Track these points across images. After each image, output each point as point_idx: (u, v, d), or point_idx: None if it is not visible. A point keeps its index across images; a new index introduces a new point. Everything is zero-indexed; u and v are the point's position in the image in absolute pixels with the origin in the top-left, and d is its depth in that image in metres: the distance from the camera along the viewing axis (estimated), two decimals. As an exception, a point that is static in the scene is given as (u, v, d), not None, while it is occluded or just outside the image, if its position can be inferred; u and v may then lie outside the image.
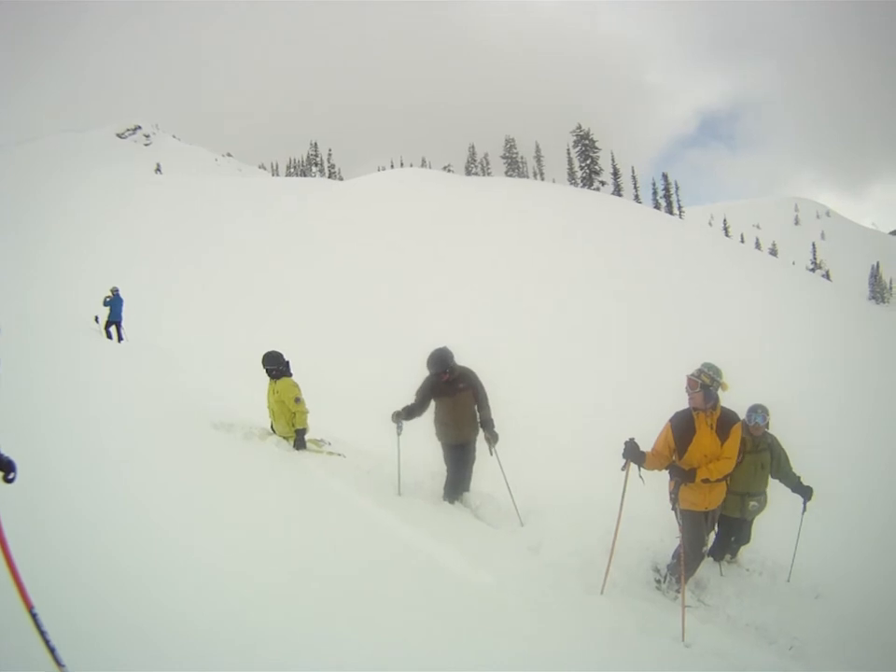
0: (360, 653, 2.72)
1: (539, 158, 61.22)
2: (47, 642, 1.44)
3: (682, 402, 4.36)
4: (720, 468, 4.20)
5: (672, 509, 4.38)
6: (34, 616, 1.41)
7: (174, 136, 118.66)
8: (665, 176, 56.32)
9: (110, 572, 2.58)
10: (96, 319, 14.43)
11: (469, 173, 58.67)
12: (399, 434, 5.57)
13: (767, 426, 5.01)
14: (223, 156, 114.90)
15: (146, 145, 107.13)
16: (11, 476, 1.09)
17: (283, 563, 3.38)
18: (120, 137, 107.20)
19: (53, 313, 14.46)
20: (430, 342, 5.88)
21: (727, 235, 63.44)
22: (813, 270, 73.63)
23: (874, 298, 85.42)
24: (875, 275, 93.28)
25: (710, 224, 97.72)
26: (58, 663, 1.45)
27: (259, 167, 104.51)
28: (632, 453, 4.28)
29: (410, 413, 5.53)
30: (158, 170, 59.06)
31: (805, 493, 4.99)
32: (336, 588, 3.29)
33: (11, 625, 1.84)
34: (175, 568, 2.89)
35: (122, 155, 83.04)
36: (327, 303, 20.12)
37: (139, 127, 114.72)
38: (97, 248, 26.03)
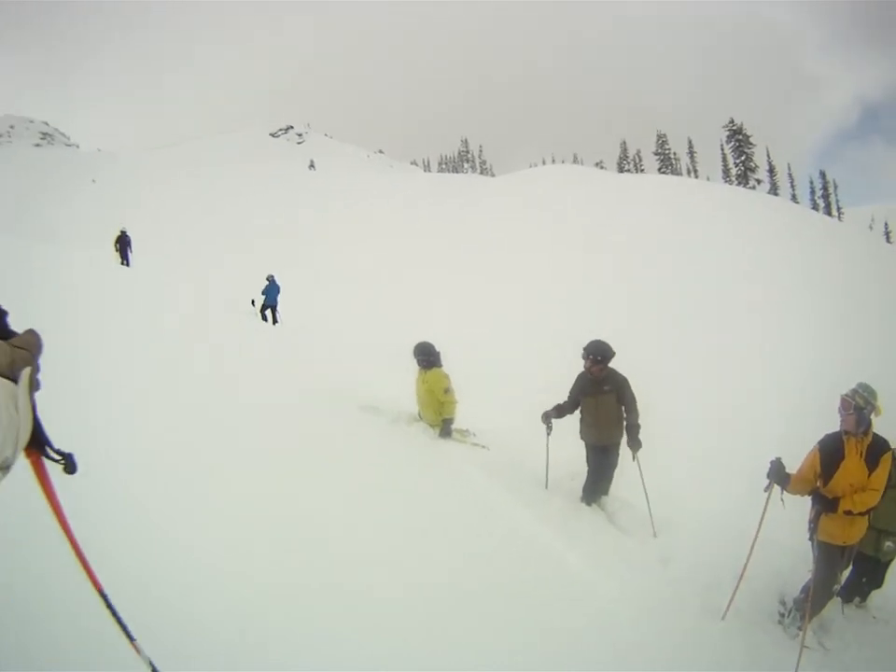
0: (481, 644, 2.92)
1: (692, 154, 58.73)
2: (118, 619, 1.56)
3: (831, 426, 4.18)
4: (864, 499, 3.98)
5: (809, 539, 4.26)
6: (104, 597, 1.54)
7: (325, 135, 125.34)
8: (822, 174, 51.86)
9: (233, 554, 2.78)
10: (252, 303, 15.94)
11: (621, 170, 57.12)
12: (548, 434, 5.71)
13: None
14: (375, 153, 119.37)
15: (298, 143, 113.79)
16: (71, 469, 1.17)
17: (408, 552, 3.61)
18: (273, 136, 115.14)
19: (218, 298, 16.02)
20: (571, 334, 5.92)
21: (888, 241, 56.60)
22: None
23: None
24: None
25: (871, 227, 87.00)
26: (130, 637, 1.59)
27: (411, 163, 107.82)
28: (777, 474, 4.18)
29: (560, 411, 5.68)
30: (312, 166, 62.91)
31: None
32: (470, 581, 3.51)
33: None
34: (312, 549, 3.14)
35: (276, 152, 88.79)
36: (497, 299, 20.51)
37: (291, 127, 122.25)
38: (259, 240, 28.45)
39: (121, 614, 1.49)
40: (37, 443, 1.04)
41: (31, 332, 1.03)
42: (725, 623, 4.16)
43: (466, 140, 76.08)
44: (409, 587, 3.16)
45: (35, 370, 0.98)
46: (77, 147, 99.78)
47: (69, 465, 1.15)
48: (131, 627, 1.54)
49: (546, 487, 5.74)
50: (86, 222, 31.23)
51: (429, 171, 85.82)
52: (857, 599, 4.86)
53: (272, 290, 15.90)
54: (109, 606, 1.46)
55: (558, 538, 4.68)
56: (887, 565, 4.77)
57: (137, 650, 1.52)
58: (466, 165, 73.72)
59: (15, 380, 0.92)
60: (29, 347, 0.99)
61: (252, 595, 2.57)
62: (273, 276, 16.16)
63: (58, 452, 1.13)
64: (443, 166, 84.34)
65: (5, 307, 1.06)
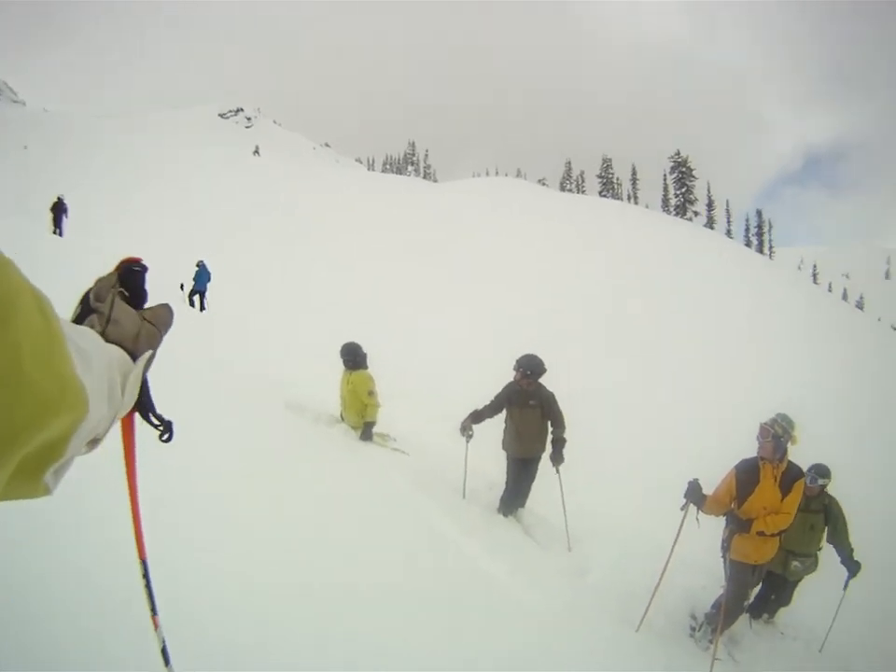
0: (397, 651, 2.79)
1: (634, 181, 60.04)
2: (150, 590, 1.51)
3: (750, 450, 4.31)
4: (777, 522, 4.13)
5: (722, 556, 4.38)
6: (143, 562, 1.48)
7: (274, 122, 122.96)
8: (759, 213, 54.55)
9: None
10: (181, 287, 15.25)
11: (563, 188, 58.29)
12: (467, 442, 5.67)
13: (824, 487, 4.88)
14: (321, 145, 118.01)
15: (247, 127, 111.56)
16: (167, 437, 1.14)
17: (336, 552, 3.44)
18: (222, 117, 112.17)
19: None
20: (509, 351, 5.94)
21: (815, 282, 60.55)
22: (898, 328, 68.87)
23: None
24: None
25: (800, 268, 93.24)
26: (153, 611, 1.53)
27: (356, 160, 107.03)
28: (693, 494, 4.28)
29: (478, 417, 5.62)
30: (256, 152, 61.44)
31: (853, 568, 4.82)
32: (389, 585, 3.36)
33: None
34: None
35: (224, 135, 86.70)
36: (416, 299, 20.38)
37: (241, 109, 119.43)
38: (190, 222, 27.36)
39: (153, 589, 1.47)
40: (140, 406, 0.98)
41: (165, 307, 0.95)
42: (640, 634, 4.23)
43: (413, 143, 76.37)
44: (331, 588, 3.01)
45: (155, 354, 0.90)
46: (24, 104, 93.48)
47: (168, 432, 1.14)
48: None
49: (464, 497, 5.71)
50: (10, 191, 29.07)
51: (373, 169, 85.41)
52: (765, 616, 5.09)
53: (202, 276, 15.28)
54: (146, 575, 1.45)
55: (480, 546, 4.64)
56: (795, 584, 5.01)
57: (156, 624, 1.48)
58: (410, 168, 73.94)
59: (135, 357, 0.83)
60: (158, 324, 0.91)
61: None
62: (203, 262, 15.53)
63: (159, 418, 1.09)
64: (388, 166, 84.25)
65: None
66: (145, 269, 1.01)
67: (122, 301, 0.88)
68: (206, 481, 3.42)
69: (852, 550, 4.84)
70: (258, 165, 43.95)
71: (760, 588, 4.87)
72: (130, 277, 0.95)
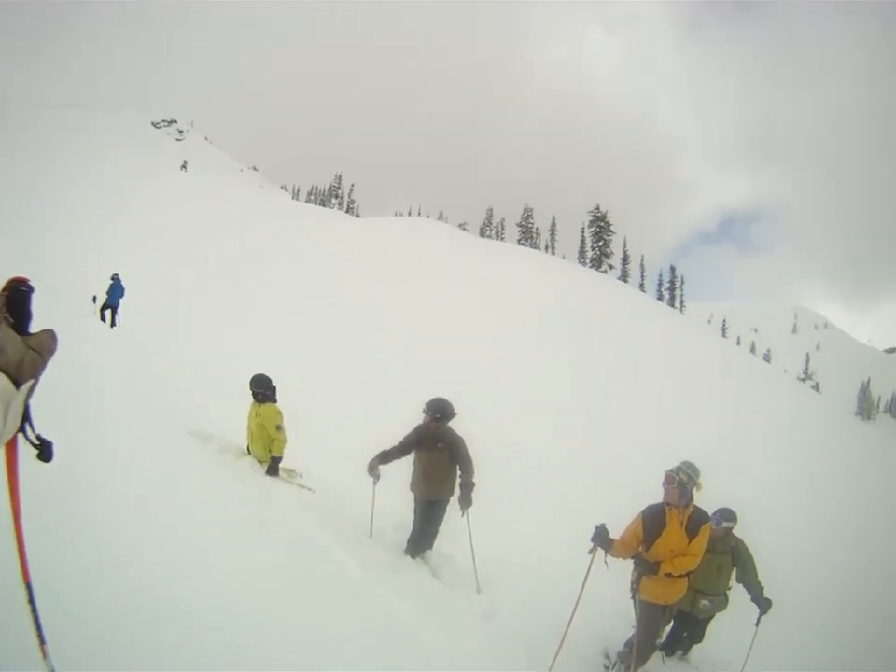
0: None
1: (553, 231, 61.63)
2: (36, 617, 1.43)
3: (657, 496, 4.38)
4: (684, 564, 4.20)
5: (632, 598, 4.42)
6: (28, 587, 1.40)
7: (206, 138, 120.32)
8: (672, 269, 57.46)
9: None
10: (94, 299, 14.48)
11: (483, 234, 59.20)
12: (375, 483, 5.60)
13: (730, 530, 5.01)
14: (249, 168, 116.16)
15: (178, 139, 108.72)
16: (46, 456, 1.14)
17: (242, 595, 3.28)
18: (155, 126, 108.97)
19: (56, 286, 14.39)
20: (416, 390, 5.91)
21: (724, 335, 64.32)
22: (804, 380, 74.37)
23: (860, 413, 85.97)
24: (865, 391, 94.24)
25: (710, 322, 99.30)
26: (41, 640, 1.45)
27: (282, 187, 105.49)
28: (601, 538, 4.32)
29: (385, 457, 5.57)
30: (184, 167, 59.65)
31: (763, 605, 4.93)
32: (298, 624, 3.25)
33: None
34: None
35: (154, 144, 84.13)
36: (323, 335, 20.08)
37: (175, 120, 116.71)
38: (109, 232, 26.13)
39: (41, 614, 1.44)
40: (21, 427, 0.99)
41: (48, 333, 0.99)
42: (552, 675, 4.14)
43: (340, 176, 76.63)
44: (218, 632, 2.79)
45: (37, 382, 0.93)
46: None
47: (45, 452, 1.17)
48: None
49: (370, 536, 5.63)
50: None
51: (298, 199, 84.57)
52: (679, 652, 5.17)
53: (115, 290, 14.62)
54: (31, 600, 1.40)
55: (383, 585, 4.52)
56: (706, 621, 5.11)
57: (44, 654, 1.46)
58: (334, 201, 73.96)
59: (18, 384, 0.88)
60: (42, 351, 0.94)
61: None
62: (118, 276, 14.85)
63: (38, 437, 1.12)
64: (312, 196, 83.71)
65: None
66: (31, 290, 1.06)
67: (8, 327, 0.92)
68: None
69: (762, 588, 4.96)
70: (182, 181, 42.88)
71: (672, 626, 4.95)
72: (17, 298, 1.01)
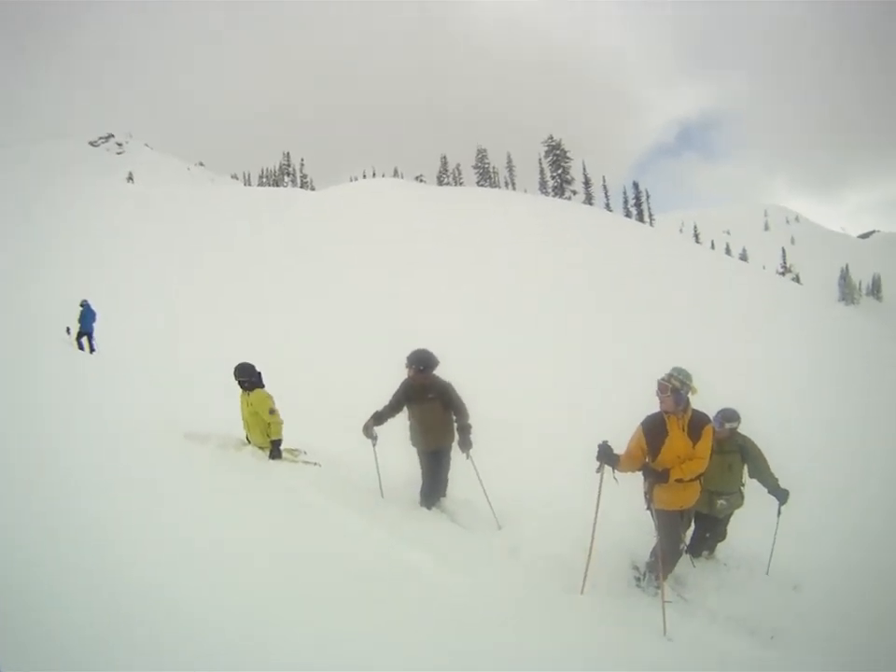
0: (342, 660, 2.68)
1: (510, 168, 61.11)
2: None
3: (655, 406, 4.40)
4: (692, 468, 4.25)
5: (647, 508, 4.44)
6: None
7: (146, 145, 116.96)
8: (636, 185, 57.39)
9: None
10: (67, 331, 14.30)
11: (441, 183, 58.19)
12: (374, 445, 5.62)
13: (734, 430, 5.09)
14: (196, 165, 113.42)
15: (118, 153, 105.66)
16: None
17: (266, 573, 3.30)
18: (93, 146, 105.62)
19: (21, 325, 14.13)
20: (403, 346, 5.87)
21: (697, 241, 64.43)
22: (783, 273, 75.13)
23: (843, 300, 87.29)
24: (845, 278, 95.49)
25: (681, 230, 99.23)
26: None
27: (232, 177, 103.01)
28: (605, 455, 4.34)
29: (379, 418, 5.58)
30: (130, 179, 58.09)
31: (781, 496, 5.05)
32: (318, 595, 3.25)
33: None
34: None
35: (94, 163, 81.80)
36: (299, 313, 19.98)
37: (112, 135, 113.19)
38: (66, 259, 25.58)
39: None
40: None
41: None
42: (587, 595, 4.25)
43: (287, 154, 74.56)
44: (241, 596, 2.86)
45: None
46: None
47: None
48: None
49: (382, 496, 5.66)
50: None
51: (250, 184, 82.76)
52: (705, 553, 5.23)
53: (87, 317, 14.37)
54: None
55: (396, 539, 4.54)
56: (726, 519, 5.19)
57: None
58: (287, 179, 72.16)
59: None
60: None
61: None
62: (87, 301, 14.60)
63: None
64: (264, 180, 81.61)
65: None
66: None
67: None
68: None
69: (776, 480, 5.06)
70: (130, 193, 41.86)
71: (693, 529, 5.04)
72: None
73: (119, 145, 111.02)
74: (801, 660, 3.62)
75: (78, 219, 31.80)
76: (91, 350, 14.06)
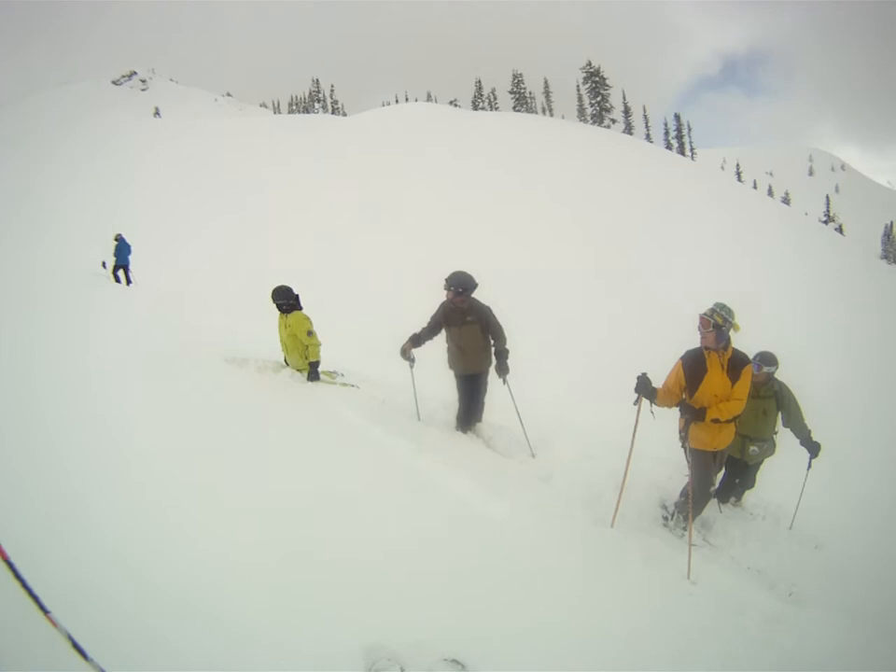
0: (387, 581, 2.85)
1: (547, 94, 58.71)
2: (28, 590, 1.41)
3: (693, 342, 4.30)
4: (730, 408, 4.16)
5: (682, 447, 4.40)
6: (11, 566, 1.38)
7: (171, 80, 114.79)
8: (677, 117, 55.34)
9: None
10: (103, 265, 14.61)
11: (475, 108, 56.44)
12: (411, 367, 5.60)
13: (771, 374, 4.96)
14: (223, 96, 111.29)
15: (142, 90, 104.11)
16: None
17: (306, 497, 3.45)
18: (116, 84, 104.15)
19: (60, 262, 14.42)
20: (437, 272, 5.80)
21: (740, 180, 61.98)
22: (826, 222, 72.18)
23: (886, 257, 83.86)
24: (889, 234, 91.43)
25: (723, 167, 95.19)
26: (44, 610, 1.44)
27: (261, 105, 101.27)
28: (644, 388, 4.23)
29: (417, 340, 5.52)
30: (157, 114, 57.47)
31: (813, 448, 4.97)
32: (364, 519, 3.39)
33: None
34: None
35: (118, 102, 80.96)
36: (331, 242, 19.92)
37: (135, 73, 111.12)
38: (100, 196, 25.74)
39: (34, 588, 1.41)
40: None
41: None
42: (615, 529, 4.28)
43: (317, 80, 73.02)
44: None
45: None
46: None
47: None
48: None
49: (419, 419, 5.70)
50: None
51: (280, 112, 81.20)
52: (733, 499, 5.23)
53: (122, 250, 14.65)
54: (18, 577, 1.38)
55: (437, 464, 4.59)
56: (756, 467, 5.14)
57: (53, 622, 1.45)
58: (317, 106, 70.76)
59: None
60: None
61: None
62: (121, 235, 14.88)
63: None
64: (294, 107, 79.94)
65: None
66: None
67: None
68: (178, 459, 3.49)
69: (810, 431, 4.97)
70: (157, 127, 41.44)
71: (723, 474, 4.96)
72: None
73: (143, 81, 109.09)
74: (817, 618, 3.61)
75: (105, 159, 31.70)
76: (129, 282, 14.40)
